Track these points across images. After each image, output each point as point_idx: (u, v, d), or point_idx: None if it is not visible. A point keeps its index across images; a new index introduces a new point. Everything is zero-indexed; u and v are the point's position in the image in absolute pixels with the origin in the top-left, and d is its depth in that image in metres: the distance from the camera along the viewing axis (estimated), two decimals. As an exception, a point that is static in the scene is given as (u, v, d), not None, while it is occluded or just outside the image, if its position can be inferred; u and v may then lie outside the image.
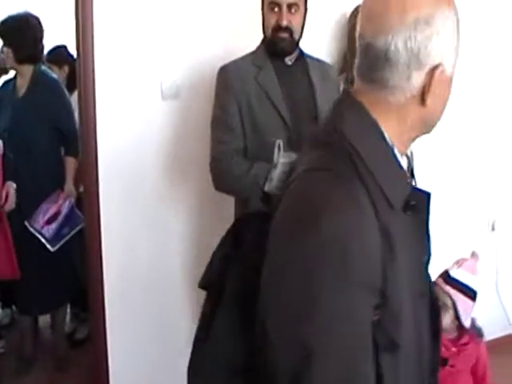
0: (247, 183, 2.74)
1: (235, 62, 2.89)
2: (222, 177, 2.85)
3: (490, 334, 4.13)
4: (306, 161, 1.35)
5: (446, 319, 2.55)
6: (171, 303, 3.45)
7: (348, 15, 3.41)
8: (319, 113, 2.85)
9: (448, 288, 2.56)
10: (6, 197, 3.69)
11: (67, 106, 3.99)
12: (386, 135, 1.30)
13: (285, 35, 2.79)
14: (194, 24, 3.24)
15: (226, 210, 3.07)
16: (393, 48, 1.24)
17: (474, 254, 2.69)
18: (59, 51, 4.62)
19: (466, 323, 2.60)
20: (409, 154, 3.10)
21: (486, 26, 3.95)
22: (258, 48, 2.93)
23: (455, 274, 2.60)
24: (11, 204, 3.71)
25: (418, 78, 1.27)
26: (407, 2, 1.23)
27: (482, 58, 3.98)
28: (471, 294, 2.59)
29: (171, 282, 3.42)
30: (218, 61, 3.07)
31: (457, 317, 2.57)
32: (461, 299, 2.56)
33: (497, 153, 4.23)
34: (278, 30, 2.79)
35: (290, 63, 2.90)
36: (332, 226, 1.19)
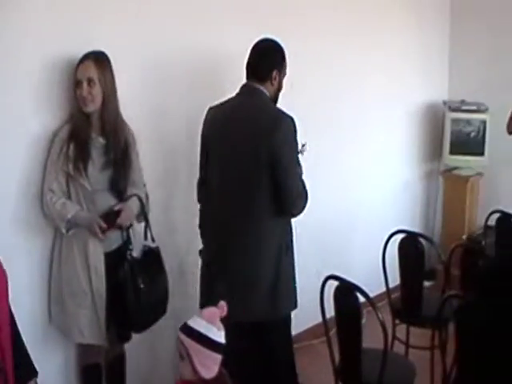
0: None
1: None
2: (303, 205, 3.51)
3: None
4: None
5: (185, 369, 2.47)
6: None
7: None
8: None
9: (184, 337, 2.45)
10: None
11: None
12: None
13: None
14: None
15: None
16: None
17: (220, 305, 2.54)
18: None
19: (207, 375, 2.46)
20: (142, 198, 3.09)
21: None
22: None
23: (192, 323, 2.48)
24: None
25: None
26: None
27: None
28: (212, 344, 2.46)
29: None
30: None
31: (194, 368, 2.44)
32: (197, 350, 2.44)
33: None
34: None
35: None
36: None
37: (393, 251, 4.33)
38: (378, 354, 3.33)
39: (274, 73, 3.53)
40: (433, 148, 6.40)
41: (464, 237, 5.97)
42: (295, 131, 3.43)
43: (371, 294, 3.39)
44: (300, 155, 3.56)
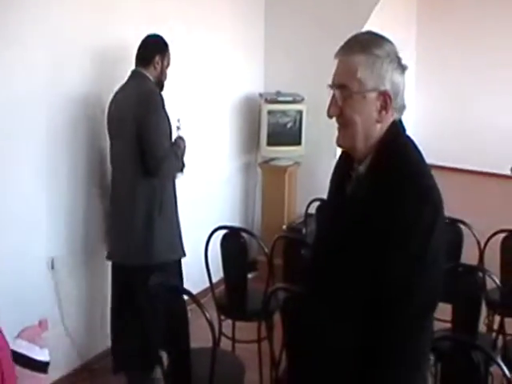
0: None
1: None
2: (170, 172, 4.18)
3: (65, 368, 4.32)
4: None
5: None
6: None
7: None
8: None
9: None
10: None
11: None
12: None
13: None
14: None
15: None
16: None
17: (40, 323, 2.43)
18: None
19: None
20: None
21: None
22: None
23: (12, 345, 2.26)
24: None
25: None
26: None
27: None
28: (35, 364, 2.31)
29: None
30: None
31: None
32: (20, 373, 2.24)
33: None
34: None
35: None
36: None
37: (216, 247, 4.28)
38: (206, 352, 3.25)
39: (157, 58, 4.18)
40: (250, 140, 6.43)
41: (284, 227, 6.05)
42: (163, 106, 4.04)
43: (196, 291, 3.31)
44: (179, 130, 4.33)
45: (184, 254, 4.31)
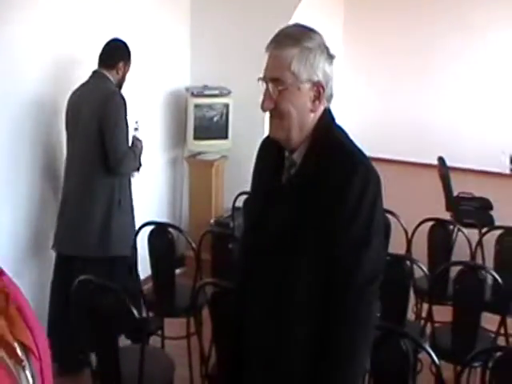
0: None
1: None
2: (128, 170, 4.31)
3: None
4: None
5: None
6: None
7: None
8: None
9: None
10: None
11: None
12: None
13: None
14: None
15: None
16: None
17: None
18: None
19: None
20: None
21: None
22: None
23: None
24: None
25: None
26: None
27: None
28: None
29: None
30: None
31: None
32: None
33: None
34: None
35: None
36: None
37: (143, 243, 4.23)
38: (135, 350, 3.20)
39: (121, 64, 4.35)
40: (177, 134, 6.36)
41: (212, 221, 6.00)
42: (124, 105, 4.20)
43: (124, 288, 3.23)
44: (136, 131, 4.49)
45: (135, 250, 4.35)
